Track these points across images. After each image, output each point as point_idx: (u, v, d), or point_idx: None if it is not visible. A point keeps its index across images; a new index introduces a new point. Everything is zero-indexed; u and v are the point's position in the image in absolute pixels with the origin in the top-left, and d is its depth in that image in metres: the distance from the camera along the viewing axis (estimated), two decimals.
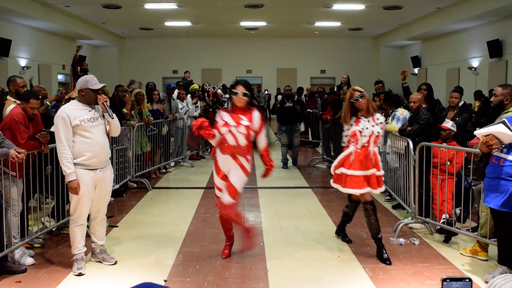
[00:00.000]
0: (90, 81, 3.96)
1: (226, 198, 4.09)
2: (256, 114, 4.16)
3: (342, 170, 4.37)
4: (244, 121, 4.08)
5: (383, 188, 4.44)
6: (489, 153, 3.74)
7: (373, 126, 4.34)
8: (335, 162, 4.49)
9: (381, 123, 4.42)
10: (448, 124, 5.28)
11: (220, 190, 4.17)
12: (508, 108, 4.26)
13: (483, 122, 6.83)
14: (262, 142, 4.25)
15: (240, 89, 4.13)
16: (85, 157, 3.88)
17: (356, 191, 4.38)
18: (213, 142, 4.20)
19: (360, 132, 4.31)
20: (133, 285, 2.91)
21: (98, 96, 3.97)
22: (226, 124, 4.10)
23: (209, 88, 10.81)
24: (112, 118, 4.06)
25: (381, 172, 4.41)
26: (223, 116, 4.19)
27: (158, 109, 8.36)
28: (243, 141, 4.09)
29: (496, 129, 3.62)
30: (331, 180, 4.54)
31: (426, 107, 5.68)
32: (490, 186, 3.72)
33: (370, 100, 4.37)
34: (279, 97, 9.66)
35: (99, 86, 3.98)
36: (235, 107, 4.17)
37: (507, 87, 4.27)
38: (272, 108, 10.16)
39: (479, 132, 3.78)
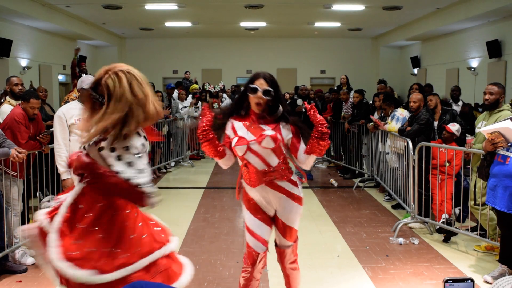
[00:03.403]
0: (84, 81, 4.02)
1: (286, 243, 3.00)
2: (284, 127, 2.81)
3: None
4: (268, 130, 2.72)
5: None
6: (493, 152, 3.67)
7: None
8: None
9: None
10: (454, 127, 5.22)
11: (261, 240, 2.95)
12: (501, 106, 4.31)
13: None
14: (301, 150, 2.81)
15: (261, 84, 2.73)
16: None
17: None
18: (222, 162, 2.87)
19: None
20: None
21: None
22: (241, 139, 2.74)
23: (209, 88, 10.80)
24: None
25: None
26: (236, 127, 2.82)
27: (164, 114, 8.36)
28: (274, 160, 2.77)
29: (503, 126, 3.54)
30: None
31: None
32: (495, 186, 3.64)
33: None
34: (300, 101, 8.00)
35: (87, 85, 4.01)
36: (252, 113, 2.82)
37: (500, 86, 4.33)
38: (298, 114, 8.35)
39: (485, 130, 3.70)
